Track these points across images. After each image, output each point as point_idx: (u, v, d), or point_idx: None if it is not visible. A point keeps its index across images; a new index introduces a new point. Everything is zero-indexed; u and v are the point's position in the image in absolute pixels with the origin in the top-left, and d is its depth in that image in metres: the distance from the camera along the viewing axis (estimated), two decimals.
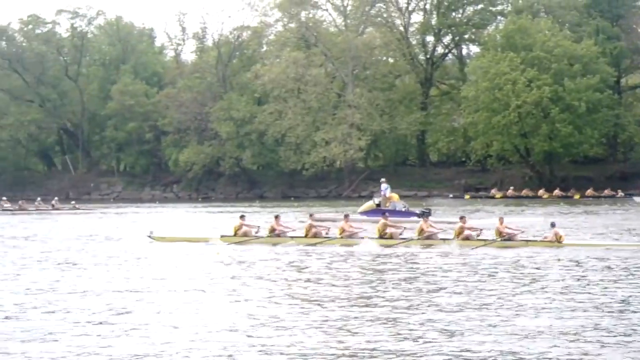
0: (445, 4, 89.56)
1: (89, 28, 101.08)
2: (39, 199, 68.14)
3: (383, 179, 49.01)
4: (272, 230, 29.93)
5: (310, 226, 29.32)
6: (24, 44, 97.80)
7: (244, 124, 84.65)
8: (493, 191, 74.54)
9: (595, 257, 23.27)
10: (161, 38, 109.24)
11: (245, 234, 29.96)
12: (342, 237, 28.77)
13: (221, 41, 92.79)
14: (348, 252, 26.03)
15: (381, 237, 28.32)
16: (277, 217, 30.99)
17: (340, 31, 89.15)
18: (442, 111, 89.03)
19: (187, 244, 29.44)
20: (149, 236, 31.37)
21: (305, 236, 28.91)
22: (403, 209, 43.05)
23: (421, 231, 27.97)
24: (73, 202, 66.03)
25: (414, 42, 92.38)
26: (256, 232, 30.25)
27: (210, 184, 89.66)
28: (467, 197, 72.74)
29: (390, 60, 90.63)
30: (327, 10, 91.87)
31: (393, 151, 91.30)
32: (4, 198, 67.43)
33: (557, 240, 26.02)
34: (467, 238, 27.03)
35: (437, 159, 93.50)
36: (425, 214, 39.88)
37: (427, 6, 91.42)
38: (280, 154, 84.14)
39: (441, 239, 27.79)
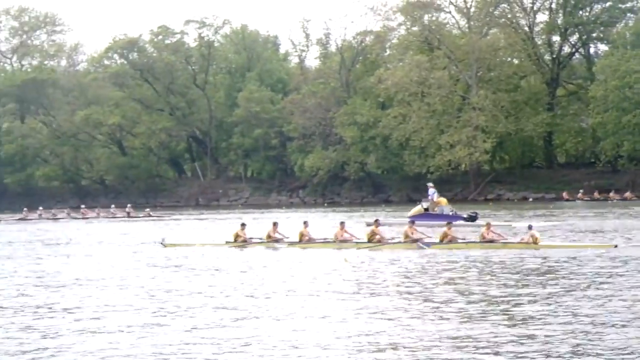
0: (572, 2, 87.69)
1: (215, 37, 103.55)
2: (112, 206, 72.07)
3: (430, 184, 50.18)
4: (269, 236, 32.55)
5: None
6: (154, 55, 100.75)
7: (368, 129, 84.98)
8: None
9: (568, 257, 24.73)
10: (285, 45, 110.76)
11: (244, 240, 32.58)
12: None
13: (344, 46, 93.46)
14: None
15: (369, 241, 30.38)
16: (275, 224, 33.33)
17: (464, 33, 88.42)
18: (569, 112, 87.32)
19: (198, 249, 31.35)
20: (161, 243, 33.49)
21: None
22: (450, 213, 44.47)
23: (407, 236, 30.16)
24: (147, 209, 70.09)
25: (539, 42, 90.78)
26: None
27: (335, 188, 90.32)
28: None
29: (515, 61, 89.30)
30: (450, 12, 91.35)
31: (519, 153, 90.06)
32: (83, 206, 73.79)
33: (534, 242, 28.04)
34: (450, 241, 29.48)
35: (565, 160, 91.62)
36: (471, 218, 42.67)
37: (553, 5, 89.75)
38: (405, 158, 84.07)
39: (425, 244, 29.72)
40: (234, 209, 78.99)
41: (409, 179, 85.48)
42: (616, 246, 27.31)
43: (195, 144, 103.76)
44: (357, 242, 30.73)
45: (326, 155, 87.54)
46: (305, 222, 32.75)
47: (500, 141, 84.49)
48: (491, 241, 29.01)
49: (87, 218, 67.22)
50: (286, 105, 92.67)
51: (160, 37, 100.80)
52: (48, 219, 67.36)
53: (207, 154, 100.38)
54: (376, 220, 32.17)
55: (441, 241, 29.64)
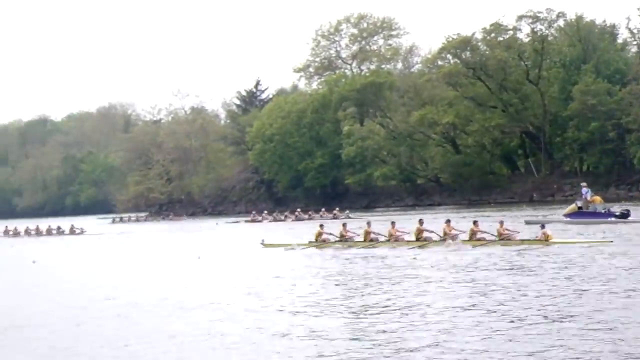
0: None
1: (549, 31, 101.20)
2: (323, 209, 78.54)
3: (584, 183, 51.55)
4: (342, 236, 36.21)
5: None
6: (486, 52, 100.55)
7: None
8: None
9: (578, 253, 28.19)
10: (624, 34, 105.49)
11: (323, 240, 36.51)
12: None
13: None
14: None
15: (417, 239, 34.20)
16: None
17: None
18: None
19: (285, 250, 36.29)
20: (261, 244, 38.55)
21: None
22: (603, 211, 46.11)
23: (445, 233, 33.80)
24: (347, 211, 75.63)
25: None
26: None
27: None
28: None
29: None
30: None
31: None
32: (299, 209, 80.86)
33: (545, 239, 31.97)
34: (478, 239, 32.99)
35: None
36: (623, 215, 43.56)
37: None
38: None
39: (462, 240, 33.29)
40: (568, 205, 76.58)
41: None
42: (612, 242, 31.44)
43: (528, 139, 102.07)
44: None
45: None
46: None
47: None
48: (507, 239, 32.76)
49: (284, 220, 75.75)
50: (625, 97, 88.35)
51: (492, 34, 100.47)
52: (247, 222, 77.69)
53: (540, 149, 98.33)
54: (420, 220, 35.77)
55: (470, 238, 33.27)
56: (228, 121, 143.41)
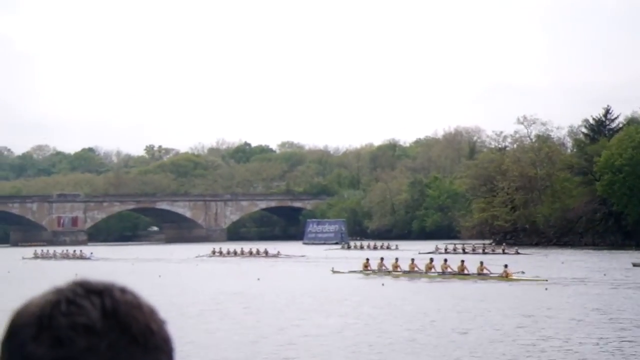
0: None
1: None
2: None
3: None
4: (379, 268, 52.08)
5: None
6: None
7: None
8: None
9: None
10: None
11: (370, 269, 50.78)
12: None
13: None
14: None
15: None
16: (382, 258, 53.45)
17: None
18: None
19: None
20: (332, 270, 50.43)
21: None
22: None
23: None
24: (516, 247, 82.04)
25: None
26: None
27: None
28: None
29: None
30: None
31: None
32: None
33: (506, 276, 41.51)
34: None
35: None
36: None
37: None
38: None
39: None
40: None
41: None
42: (547, 280, 39.48)
43: None
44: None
45: None
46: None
47: None
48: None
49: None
50: None
51: None
52: None
53: None
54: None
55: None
56: (574, 150, 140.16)
